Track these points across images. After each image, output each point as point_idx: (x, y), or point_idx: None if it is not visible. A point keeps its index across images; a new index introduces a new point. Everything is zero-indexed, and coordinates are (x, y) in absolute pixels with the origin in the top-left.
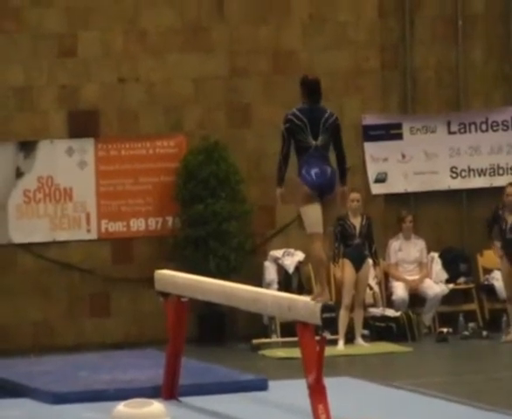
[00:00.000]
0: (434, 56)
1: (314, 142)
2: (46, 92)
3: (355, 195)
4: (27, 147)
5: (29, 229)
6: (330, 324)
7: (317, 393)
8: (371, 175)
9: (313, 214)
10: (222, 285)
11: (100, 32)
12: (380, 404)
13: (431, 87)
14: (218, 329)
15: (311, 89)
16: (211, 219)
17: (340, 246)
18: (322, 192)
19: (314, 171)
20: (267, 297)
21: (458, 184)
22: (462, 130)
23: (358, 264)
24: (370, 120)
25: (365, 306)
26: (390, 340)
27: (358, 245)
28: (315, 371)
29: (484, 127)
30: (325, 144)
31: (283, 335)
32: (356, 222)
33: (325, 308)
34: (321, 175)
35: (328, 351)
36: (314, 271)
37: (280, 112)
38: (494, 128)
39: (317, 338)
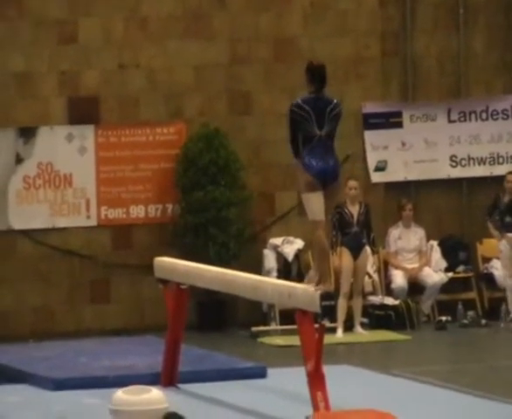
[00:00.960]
0: (435, 44)
1: (318, 132)
2: (47, 79)
3: (352, 183)
4: (27, 133)
5: (29, 215)
6: (329, 312)
7: (316, 380)
8: (371, 164)
9: (315, 201)
10: (222, 272)
11: (100, 19)
12: (379, 392)
13: (432, 76)
14: (218, 316)
15: (317, 74)
16: (211, 206)
17: (338, 234)
18: (325, 182)
19: (316, 162)
20: (267, 284)
21: (458, 173)
22: (462, 118)
23: (356, 252)
24: (370, 108)
25: (364, 294)
26: (389, 328)
27: (356, 233)
28: (314, 359)
29: (484, 115)
30: (330, 134)
31: (282, 323)
32: (354, 210)
33: (324, 296)
34: (324, 166)
35: (327, 339)
36: (316, 258)
37: (281, 99)
38: (495, 117)
39: (316, 326)
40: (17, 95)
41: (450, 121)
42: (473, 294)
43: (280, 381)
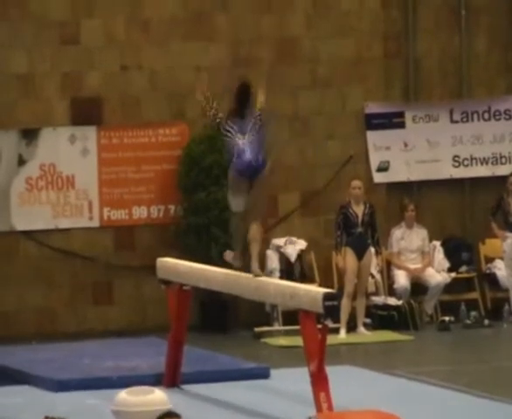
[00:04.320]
0: (437, 45)
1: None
2: (49, 80)
3: (356, 183)
4: (29, 134)
5: (31, 216)
6: (332, 312)
7: (319, 381)
8: (374, 164)
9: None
10: (224, 273)
11: (102, 20)
12: (381, 392)
13: (434, 77)
14: (221, 317)
15: (242, 92)
16: (214, 207)
17: (342, 234)
18: (250, 176)
19: (239, 161)
20: (270, 285)
21: (460, 173)
22: (465, 119)
23: (360, 252)
24: (372, 108)
25: (367, 295)
26: (392, 329)
27: (361, 234)
28: (317, 359)
29: (486, 115)
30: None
31: (285, 323)
32: (359, 210)
33: (327, 296)
34: (245, 163)
35: (330, 339)
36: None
37: (283, 100)
38: (497, 117)
39: (319, 326)
40: (20, 96)
41: (452, 122)
42: (475, 294)
43: (283, 382)
